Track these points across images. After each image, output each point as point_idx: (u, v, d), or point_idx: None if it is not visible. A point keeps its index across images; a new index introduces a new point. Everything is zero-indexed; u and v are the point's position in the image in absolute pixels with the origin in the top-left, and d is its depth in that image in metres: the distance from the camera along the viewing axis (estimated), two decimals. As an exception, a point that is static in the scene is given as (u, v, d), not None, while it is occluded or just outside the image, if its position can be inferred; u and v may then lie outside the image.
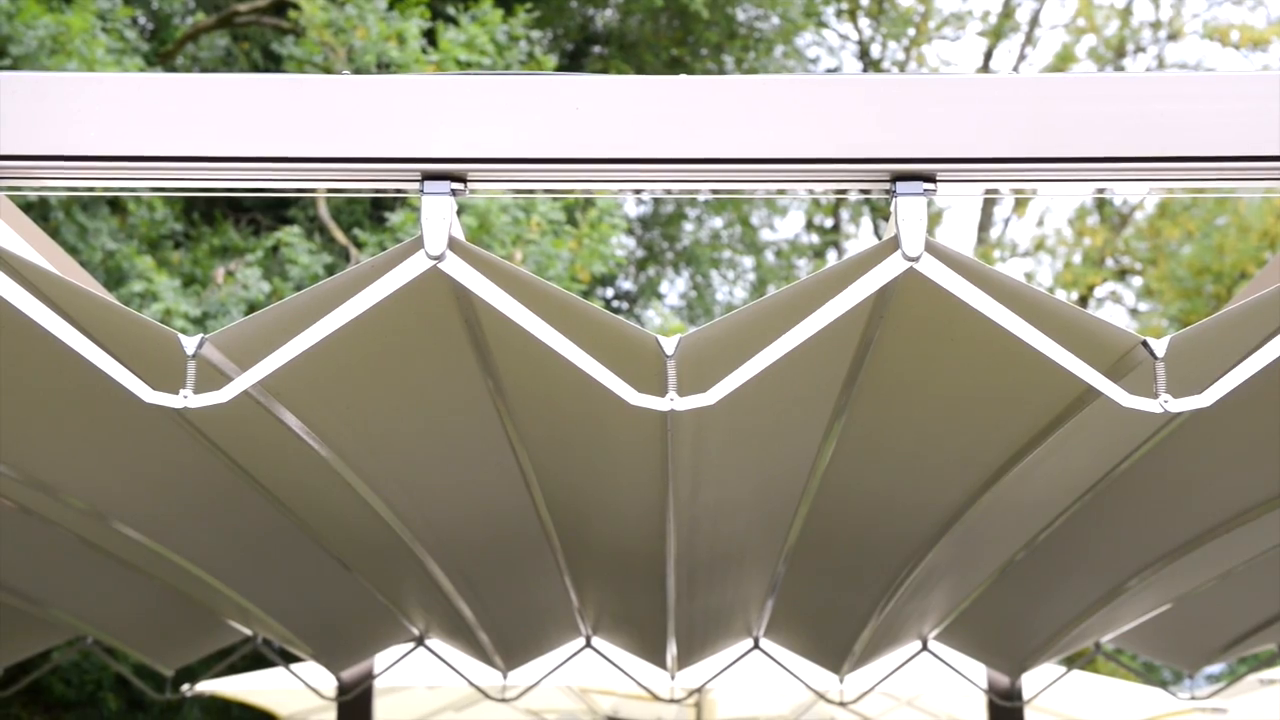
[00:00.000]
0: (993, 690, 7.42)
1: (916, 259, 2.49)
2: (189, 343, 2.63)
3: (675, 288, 25.06)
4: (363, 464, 3.86)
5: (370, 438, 3.72)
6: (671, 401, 2.54)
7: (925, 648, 6.60)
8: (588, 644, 6.68)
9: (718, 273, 25.12)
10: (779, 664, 6.75)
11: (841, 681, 7.06)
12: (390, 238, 14.59)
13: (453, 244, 2.49)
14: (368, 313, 2.53)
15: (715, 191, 2.80)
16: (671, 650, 6.43)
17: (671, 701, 8.06)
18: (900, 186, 2.56)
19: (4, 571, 5.36)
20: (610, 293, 22.53)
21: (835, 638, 6.34)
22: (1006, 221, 31.22)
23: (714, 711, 9.12)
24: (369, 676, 7.42)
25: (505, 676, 7.30)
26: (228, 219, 16.40)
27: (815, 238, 30.13)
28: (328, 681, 7.59)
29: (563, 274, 14.39)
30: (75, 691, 14.38)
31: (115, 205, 14.84)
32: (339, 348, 2.74)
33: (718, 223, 25.16)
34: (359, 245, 15.29)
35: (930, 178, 2.57)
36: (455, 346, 3.16)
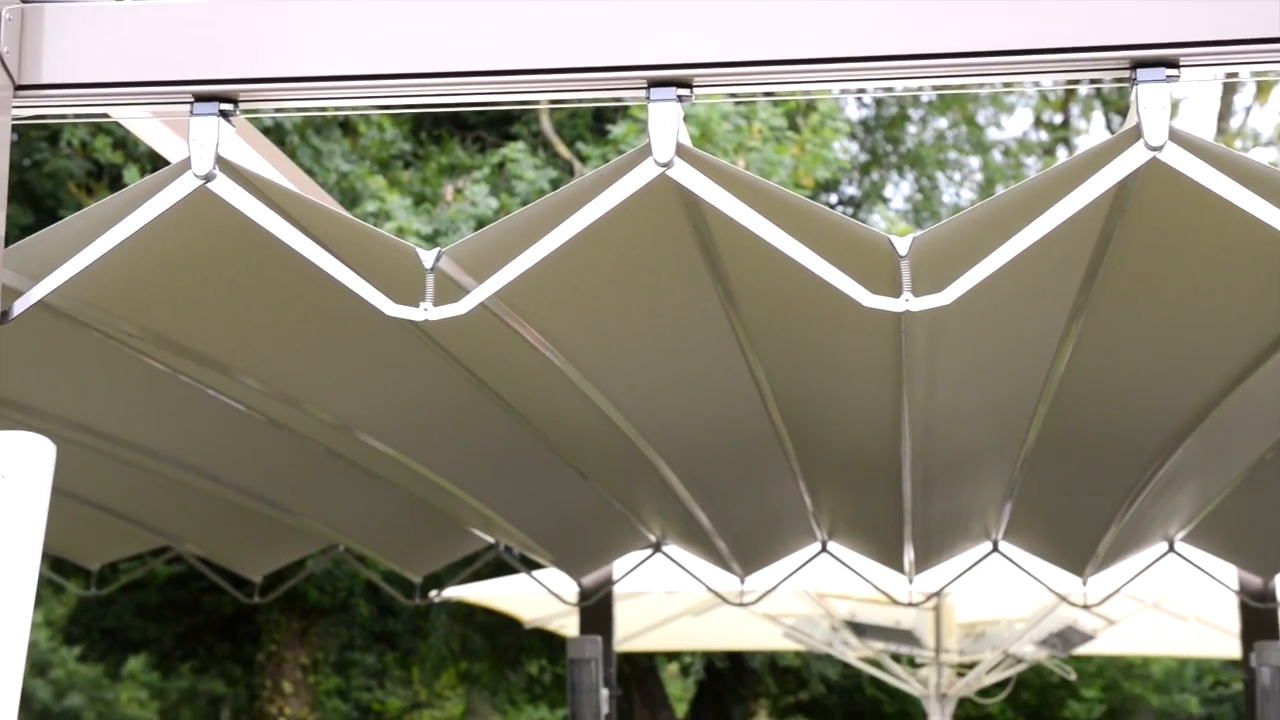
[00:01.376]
0: (1244, 592, 7.21)
1: (1160, 148, 2.39)
2: (427, 256, 2.68)
3: (900, 191, 24.67)
4: (597, 373, 3.91)
5: (604, 347, 3.76)
6: (906, 302, 2.51)
7: (1172, 549, 6.44)
8: (824, 549, 6.69)
9: (943, 174, 24.65)
10: (1019, 567, 6.66)
11: (1085, 584, 6.94)
12: (613, 150, 14.65)
13: (680, 150, 2.48)
14: (598, 223, 2.54)
15: (944, 88, 2.73)
16: (909, 554, 6.39)
17: (909, 605, 8.03)
18: (1141, 74, 2.46)
19: (259, 483, 5.59)
20: (834, 198, 22.31)
21: (1077, 540, 6.23)
22: (1248, 110, 29.92)
23: (953, 615, 9.05)
24: (608, 582, 7.56)
25: (742, 581, 7.36)
26: (454, 137, 16.66)
27: (1044, 135, 29.32)
28: (569, 587, 7.76)
29: (785, 181, 14.28)
30: (329, 598, 14.97)
31: (347, 127, 15.20)
32: (571, 259, 2.76)
33: (942, 123, 24.64)
34: (582, 159, 15.40)
35: (1173, 63, 2.46)
36: (685, 254, 3.16)
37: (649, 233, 3.04)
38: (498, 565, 8.49)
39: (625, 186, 2.51)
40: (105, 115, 2.77)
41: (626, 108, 14.84)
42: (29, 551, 2.35)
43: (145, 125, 3.22)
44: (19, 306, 2.43)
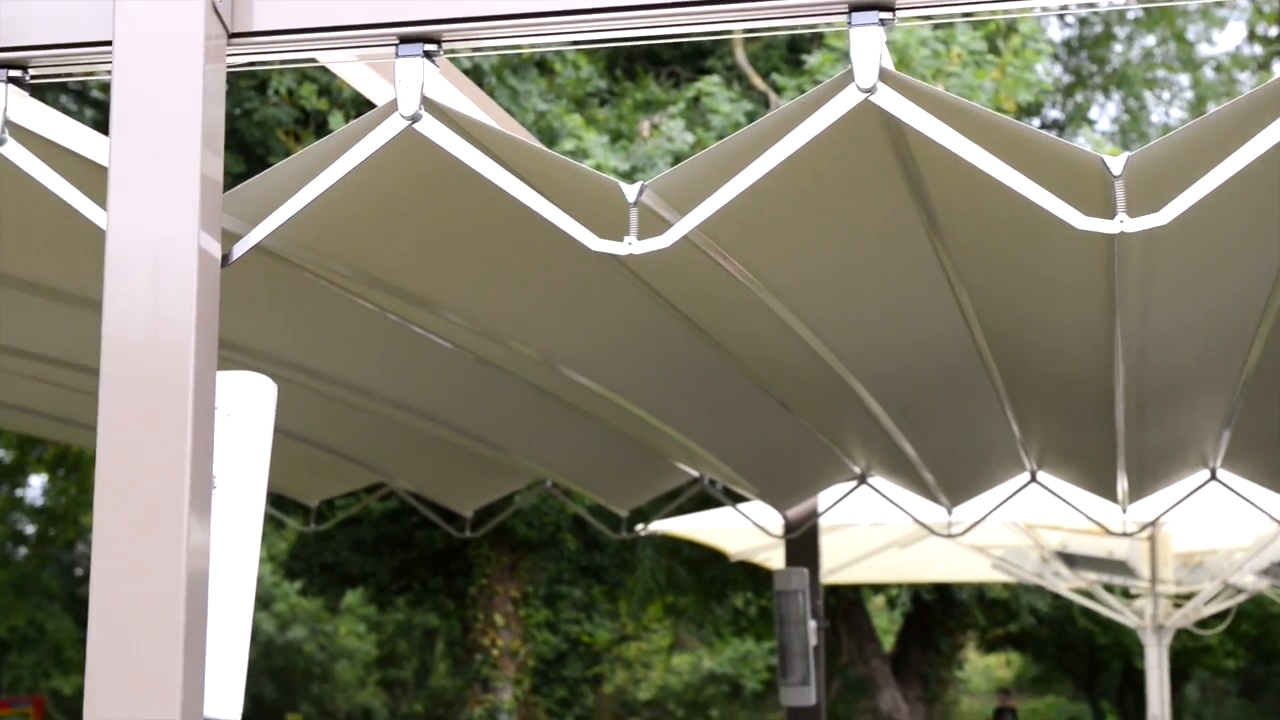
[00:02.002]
0: None
1: None
2: (630, 190, 2.69)
3: (1106, 112, 23.97)
4: (800, 303, 3.89)
5: (806, 277, 3.74)
6: (1121, 224, 2.43)
7: (1401, 475, 6.20)
8: (1033, 479, 6.58)
9: (1152, 94, 23.86)
10: (1239, 495, 6.47)
11: (1308, 512, 6.72)
12: (809, 80, 14.49)
13: (883, 75, 2.43)
14: (800, 152, 2.51)
15: (1150, 1, 2.63)
16: (1122, 484, 6.25)
17: (1123, 535, 7.87)
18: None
19: (468, 420, 5.70)
20: (1036, 122, 21.78)
21: (1299, 467, 6.04)
22: None
23: (1169, 545, 8.85)
24: (814, 514, 7.54)
25: (949, 513, 7.29)
26: (649, 73, 16.66)
27: (1258, 49, 28.18)
28: (774, 520, 7.77)
29: (986, 105, 13.98)
30: (536, 532, 15.24)
31: (543, 67, 15.30)
32: (773, 189, 2.74)
33: (1150, 40, 23.84)
34: (778, 90, 15.27)
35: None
36: (888, 180, 3.12)
37: (851, 160, 3.01)
38: (702, 499, 8.54)
39: (828, 114, 2.47)
40: (313, 60, 2.83)
41: (821, 37, 14.65)
42: (255, 487, 2.43)
43: (351, 69, 3.28)
44: (238, 250, 2.50)
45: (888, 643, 20.84)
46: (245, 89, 13.50)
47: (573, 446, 6.28)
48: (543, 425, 5.80)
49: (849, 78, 2.44)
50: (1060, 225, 2.45)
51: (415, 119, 2.46)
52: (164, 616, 2.17)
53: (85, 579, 20.92)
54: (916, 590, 17.93)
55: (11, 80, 2.48)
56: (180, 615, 2.17)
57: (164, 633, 2.17)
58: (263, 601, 21.52)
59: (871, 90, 2.42)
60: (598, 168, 13.21)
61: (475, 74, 14.17)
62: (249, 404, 2.45)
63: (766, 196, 2.91)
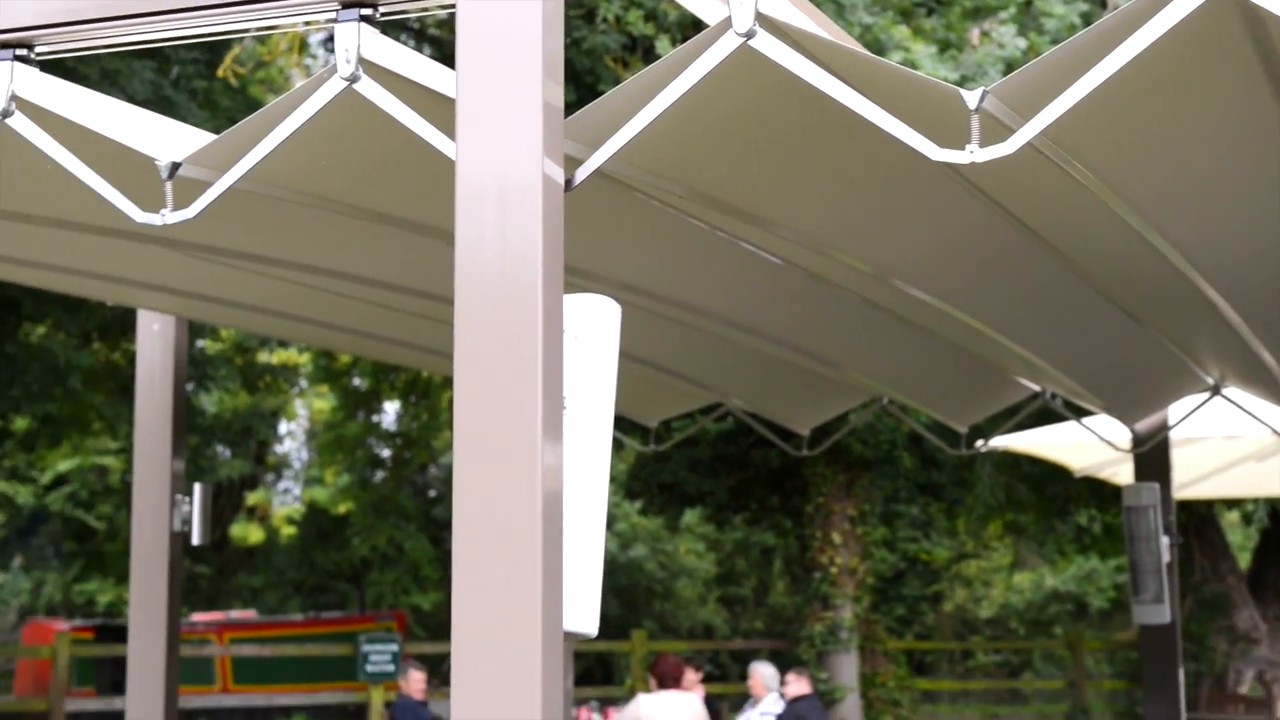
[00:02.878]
0: None
1: None
2: (970, 97, 2.62)
3: None
4: (1151, 209, 3.73)
5: (1158, 181, 3.58)
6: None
7: None
8: (1405, 386, 6.19)
9: None
10: None
11: None
12: (1149, -26, 13.84)
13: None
14: (1148, 51, 2.40)
15: None
16: None
17: None
18: None
19: (803, 338, 5.69)
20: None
21: None
22: None
23: None
24: (1164, 427, 7.28)
25: (1311, 423, 6.93)
26: (978, -22, 16.18)
27: None
28: (1121, 434, 7.53)
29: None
30: (872, 450, 15.15)
31: (868, -21, 15.03)
32: (1122, 90, 2.62)
33: None
34: (1116, -13, 14.63)
35: None
36: (1247, 79, 2.95)
37: (1206, 57, 2.85)
38: (1043, 414, 8.33)
39: (1178, 9, 2.35)
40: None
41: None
42: (603, 407, 2.48)
43: (682, -10, 3.28)
44: (580, 175, 2.54)
45: (1243, 560, 20.02)
46: (573, 18, 13.72)
47: (909, 363, 6.20)
48: (878, 341, 5.74)
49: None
50: None
51: (750, 35, 2.44)
52: (522, 535, 2.24)
53: (439, 500, 21.88)
54: (1274, 505, 17.13)
55: (363, 19, 2.57)
56: (538, 533, 2.24)
57: (523, 551, 2.24)
58: (605, 521, 21.97)
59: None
60: (926, 79, 12.92)
61: (800, -10, 14.01)
62: (595, 326, 2.49)
63: (1114, 99, 2.79)
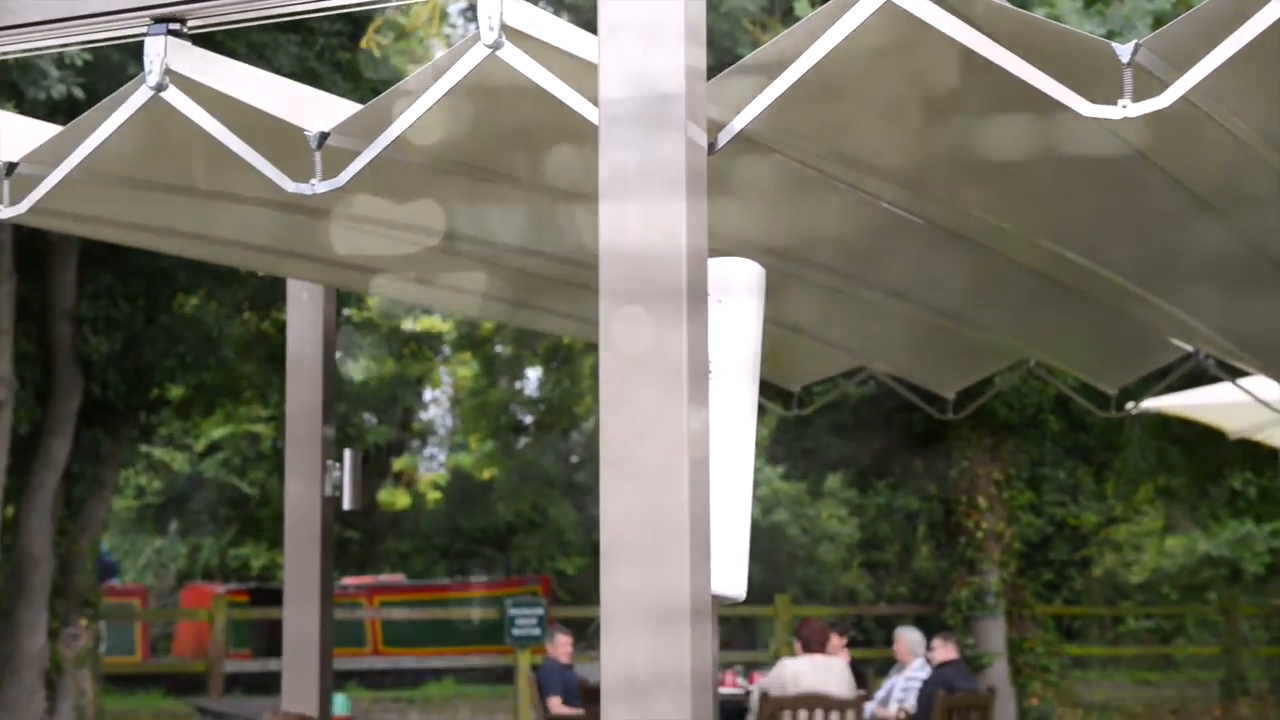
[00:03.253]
0: None
1: None
2: (1123, 50, 2.55)
3: None
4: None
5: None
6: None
7: None
8: None
9: None
10: None
11: None
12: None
13: None
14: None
15: None
16: None
17: None
18: None
19: (948, 299, 5.62)
20: None
21: None
22: None
23: None
24: (1324, 388, 7.08)
25: None
26: (1125, -70, 15.81)
27: None
28: (1276, 393, 7.34)
29: None
30: (1018, 414, 14.96)
31: (1011, -66, 14.76)
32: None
33: None
34: (1270, -65, 14.20)
35: None
36: None
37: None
38: (1194, 375, 8.15)
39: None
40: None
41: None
42: (749, 371, 2.47)
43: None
44: (723, 138, 2.53)
45: (1406, 524, 19.44)
46: (711, -18, 13.67)
47: (1058, 324, 6.10)
48: (1025, 303, 5.65)
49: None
50: None
51: (894, -7, 2.41)
52: (669, 500, 2.25)
53: (582, 466, 22.05)
54: None
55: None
56: (684, 498, 2.24)
57: (671, 515, 2.24)
58: (751, 484, 21.95)
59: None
60: (1074, 34, 12.68)
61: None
62: (739, 289, 2.48)
63: (1273, 51, 2.71)
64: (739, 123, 2.54)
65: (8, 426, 10.54)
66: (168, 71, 2.75)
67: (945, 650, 8.80)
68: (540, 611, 13.43)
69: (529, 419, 23.40)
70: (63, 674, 12.09)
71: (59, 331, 11.59)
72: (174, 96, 2.76)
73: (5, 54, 2.97)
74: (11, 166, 2.97)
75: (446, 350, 22.89)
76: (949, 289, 5.45)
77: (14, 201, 2.95)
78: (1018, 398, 14.96)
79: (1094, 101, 2.44)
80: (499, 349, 21.66)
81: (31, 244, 10.82)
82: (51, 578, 11.90)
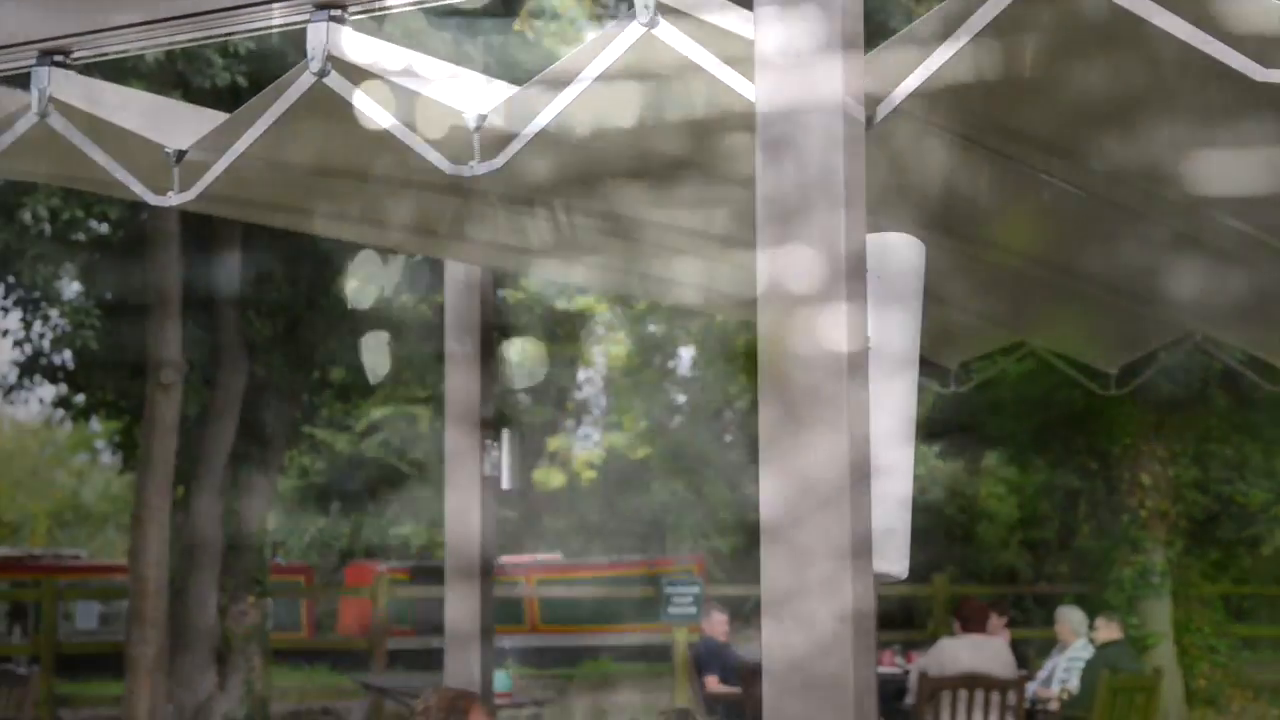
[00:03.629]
0: None
1: None
2: None
3: None
4: None
5: None
6: None
7: None
8: None
9: None
10: None
11: None
12: None
13: None
14: None
15: None
16: None
17: None
18: None
19: (1110, 273, 5.50)
20: None
21: None
22: None
23: None
24: None
25: None
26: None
27: None
28: None
29: None
30: (1183, 390, 14.63)
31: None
32: None
33: None
34: None
35: None
36: None
37: None
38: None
39: None
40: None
41: None
42: (909, 347, 2.44)
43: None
44: (881, 111, 2.50)
45: None
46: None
47: (1224, 297, 5.93)
48: (1191, 276, 5.51)
49: None
50: None
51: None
52: (829, 477, 2.23)
53: (735, 445, 22.04)
54: None
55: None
56: (845, 475, 2.22)
57: (830, 493, 2.23)
58: (914, 460, 21.77)
59: None
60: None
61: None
62: (899, 264, 2.46)
63: None
64: (897, 96, 2.51)
65: (177, 409, 10.84)
66: (329, 58, 2.79)
67: (1109, 630, 8.66)
68: (696, 590, 13.46)
69: (682, 399, 23.45)
70: (232, 650, 12.42)
71: (224, 315, 11.89)
72: (335, 82, 2.81)
73: (172, 44, 3.04)
74: (181, 154, 3.04)
75: (600, 330, 23.04)
76: (1112, 263, 5.34)
77: (184, 188, 3.02)
78: (1183, 373, 14.63)
79: (1268, 66, 2.37)
80: (651, 328, 21.73)
81: (197, 230, 11.11)
82: (221, 556, 12.23)
